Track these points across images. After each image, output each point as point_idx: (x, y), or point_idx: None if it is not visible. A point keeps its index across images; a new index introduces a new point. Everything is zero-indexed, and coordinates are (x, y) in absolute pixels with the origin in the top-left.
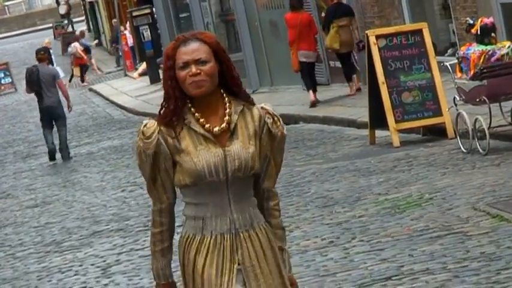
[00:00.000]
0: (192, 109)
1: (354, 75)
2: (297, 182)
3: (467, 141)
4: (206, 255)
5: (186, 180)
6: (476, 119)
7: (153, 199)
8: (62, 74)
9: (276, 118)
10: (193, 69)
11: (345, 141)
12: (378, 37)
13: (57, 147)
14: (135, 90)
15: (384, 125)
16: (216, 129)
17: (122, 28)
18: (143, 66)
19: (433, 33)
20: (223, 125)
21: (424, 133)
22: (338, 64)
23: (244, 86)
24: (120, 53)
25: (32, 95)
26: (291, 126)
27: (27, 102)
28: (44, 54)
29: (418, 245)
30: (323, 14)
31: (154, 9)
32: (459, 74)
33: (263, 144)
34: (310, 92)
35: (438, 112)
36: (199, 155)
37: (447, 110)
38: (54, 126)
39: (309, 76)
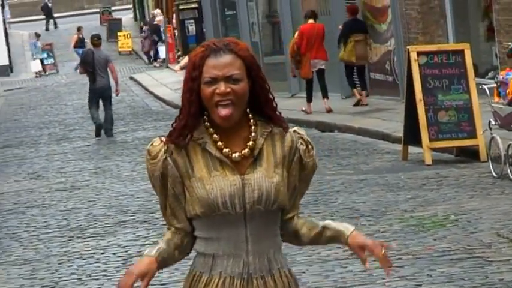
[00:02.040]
0: (211, 129)
1: (356, 88)
2: (325, 190)
3: (499, 166)
4: None
5: (196, 209)
6: (509, 145)
7: (167, 229)
8: None
9: (309, 146)
10: (223, 87)
11: (378, 155)
12: (419, 53)
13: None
14: (175, 83)
15: (417, 142)
16: (235, 155)
17: (158, 18)
18: (185, 60)
19: (475, 55)
20: (245, 150)
21: (456, 154)
22: (378, 76)
23: (283, 90)
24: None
25: (77, 77)
26: (326, 134)
27: (67, 85)
28: (98, 40)
29: (437, 265)
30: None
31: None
32: (496, 98)
33: (292, 174)
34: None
35: (473, 134)
36: (213, 182)
37: (481, 133)
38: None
39: (322, 82)
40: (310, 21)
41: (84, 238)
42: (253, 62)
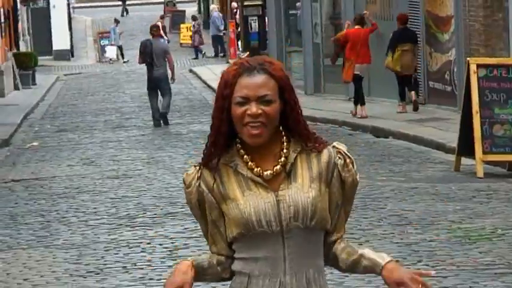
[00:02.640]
0: (241, 150)
1: (413, 92)
2: (375, 196)
3: None
4: None
5: (233, 231)
6: None
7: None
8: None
9: (348, 160)
10: (254, 108)
11: (430, 164)
12: (478, 66)
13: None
14: None
15: (471, 154)
16: (267, 172)
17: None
18: (246, 56)
19: None
20: (277, 167)
21: (509, 168)
22: (437, 85)
23: (341, 92)
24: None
25: (137, 65)
26: (380, 139)
27: (126, 73)
28: (157, 30)
29: (480, 278)
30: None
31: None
32: None
33: (333, 191)
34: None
35: None
36: (246, 201)
37: None
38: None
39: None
40: (357, 26)
41: (132, 227)
42: (286, 83)
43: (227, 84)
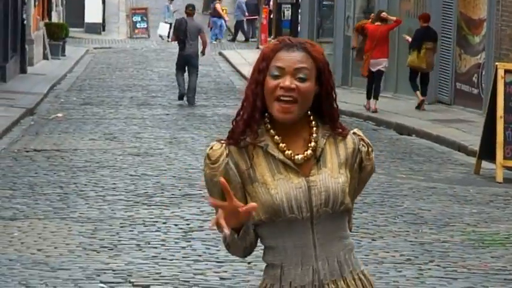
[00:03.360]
0: (272, 131)
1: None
2: (393, 193)
3: None
4: None
5: (260, 215)
6: None
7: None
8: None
9: (370, 149)
10: (287, 81)
11: (451, 165)
12: (506, 71)
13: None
14: None
15: (492, 158)
16: (298, 157)
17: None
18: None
19: None
20: (308, 152)
21: None
22: (464, 87)
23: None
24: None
25: (168, 44)
26: (403, 137)
27: (156, 51)
28: (192, 10)
29: (491, 283)
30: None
31: None
32: None
33: (354, 176)
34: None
35: None
36: (277, 186)
37: None
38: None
39: (371, 83)
40: (377, 23)
41: (149, 205)
42: (325, 66)
43: (265, 57)
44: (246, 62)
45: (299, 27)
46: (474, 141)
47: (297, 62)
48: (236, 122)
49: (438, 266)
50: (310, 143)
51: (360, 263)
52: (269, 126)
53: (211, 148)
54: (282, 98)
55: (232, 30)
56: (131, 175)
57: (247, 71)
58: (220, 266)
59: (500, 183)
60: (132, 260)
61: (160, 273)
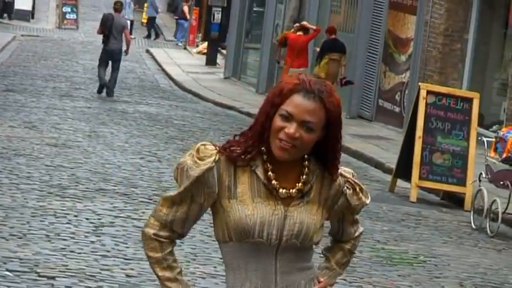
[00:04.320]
0: (265, 156)
1: None
2: None
3: (480, 218)
4: None
5: (230, 232)
6: (494, 200)
7: (157, 220)
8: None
9: (358, 188)
10: (293, 129)
11: (366, 181)
12: (429, 92)
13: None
14: (189, 66)
15: (408, 177)
16: (282, 191)
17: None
18: (204, 45)
19: (485, 105)
20: (293, 190)
21: (442, 197)
22: (387, 104)
23: None
24: (186, 25)
25: (95, 37)
26: None
27: (83, 44)
28: (120, 6)
29: None
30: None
31: None
32: (493, 153)
33: (336, 211)
34: None
35: (462, 182)
36: (255, 208)
37: (471, 182)
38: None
39: None
40: (299, 33)
41: (62, 197)
42: (336, 120)
43: (281, 94)
44: (173, 61)
45: (228, 31)
46: (392, 159)
47: (307, 114)
48: (238, 143)
49: (344, 280)
50: (299, 182)
51: None
52: (264, 150)
53: (205, 145)
54: (283, 142)
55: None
56: (47, 165)
57: (173, 71)
58: (127, 263)
59: (413, 202)
60: (40, 250)
61: (67, 265)
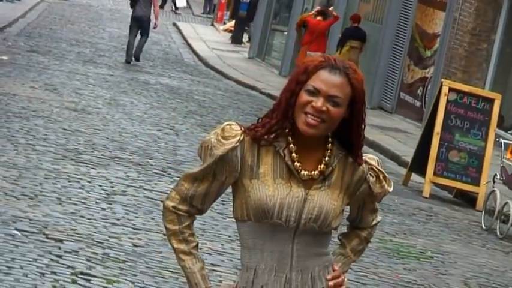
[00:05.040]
0: (290, 138)
1: None
2: None
3: (490, 219)
4: None
5: (249, 212)
6: (506, 203)
7: (178, 194)
8: None
9: (381, 176)
10: (320, 103)
11: None
12: (450, 89)
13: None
14: (214, 43)
15: (422, 172)
16: (304, 172)
17: None
18: (231, 23)
19: (506, 106)
20: (315, 172)
21: (455, 195)
22: (408, 98)
23: None
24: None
25: (124, 5)
26: None
27: (111, 11)
28: None
29: None
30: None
31: None
32: (509, 155)
33: (358, 197)
34: None
35: (477, 181)
36: (276, 190)
37: (485, 183)
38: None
39: None
40: (319, 18)
41: (77, 162)
42: (360, 96)
43: (306, 71)
44: (199, 37)
45: (256, 11)
46: (408, 152)
47: (334, 88)
48: (263, 123)
49: (350, 269)
50: (321, 164)
51: None
52: (289, 133)
53: (230, 125)
54: (310, 115)
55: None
56: (64, 129)
57: (198, 46)
58: (135, 233)
59: (426, 198)
60: (50, 212)
61: (75, 230)
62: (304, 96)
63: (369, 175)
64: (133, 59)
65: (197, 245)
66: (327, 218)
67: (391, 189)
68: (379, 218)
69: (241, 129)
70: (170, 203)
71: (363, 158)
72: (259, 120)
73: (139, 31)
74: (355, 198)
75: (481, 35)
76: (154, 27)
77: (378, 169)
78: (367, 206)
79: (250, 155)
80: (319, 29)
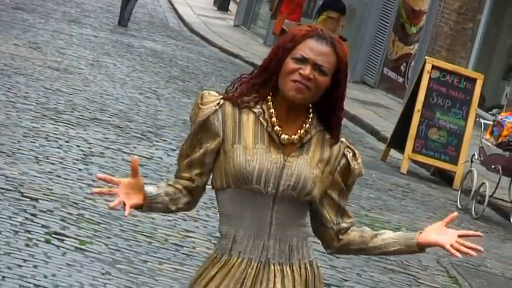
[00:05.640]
0: (270, 103)
1: None
2: None
3: (466, 199)
4: (224, 278)
5: (229, 179)
6: (483, 183)
7: (179, 168)
8: None
9: (356, 153)
10: (307, 71)
11: (360, 146)
12: (434, 67)
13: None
14: (201, 9)
15: (401, 148)
16: (284, 136)
17: None
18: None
19: (488, 87)
20: (295, 136)
21: (433, 173)
22: (391, 73)
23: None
24: None
25: None
26: None
27: None
28: None
29: (370, 268)
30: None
31: None
32: (488, 136)
33: (337, 179)
34: None
35: (455, 160)
36: (255, 154)
37: (463, 162)
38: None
39: None
40: None
41: (56, 121)
42: (344, 67)
43: (293, 39)
44: (186, 2)
45: None
46: (388, 128)
47: (321, 57)
48: (241, 83)
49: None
50: (301, 129)
51: (311, 253)
52: (270, 98)
53: (209, 92)
54: (297, 83)
55: None
56: (46, 88)
57: (184, 12)
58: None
59: (403, 174)
60: (27, 171)
61: (51, 189)
62: (291, 64)
63: (346, 151)
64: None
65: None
66: (305, 186)
67: (363, 172)
68: (346, 224)
69: (218, 95)
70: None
71: (340, 139)
72: (234, 84)
73: None
74: (335, 178)
75: (467, 14)
76: None
77: (353, 149)
78: (338, 198)
79: (232, 120)
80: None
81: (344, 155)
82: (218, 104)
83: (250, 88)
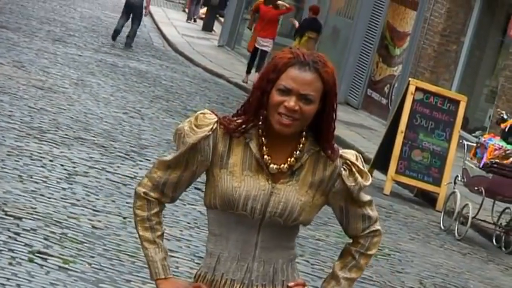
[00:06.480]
0: (260, 131)
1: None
2: None
3: (450, 220)
4: None
5: (216, 200)
6: (466, 204)
7: (150, 181)
8: None
9: (355, 169)
10: (292, 102)
11: None
12: (417, 89)
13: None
14: (185, 29)
15: (384, 170)
16: (273, 166)
17: None
18: (203, 10)
19: (471, 109)
20: (284, 165)
21: (416, 194)
22: (375, 95)
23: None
24: None
25: None
26: None
27: None
28: None
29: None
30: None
31: None
32: (472, 157)
33: (336, 198)
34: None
35: (438, 182)
36: (242, 181)
37: (446, 183)
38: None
39: (253, 59)
40: (270, 6)
41: (40, 140)
42: (332, 89)
43: (275, 69)
44: (170, 22)
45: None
46: (371, 149)
47: (305, 86)
48: (236, 119)
49: (307, 261)
50: (291, 157)
51: (296, 274)
52: (261, 126)
53: (204, 114)
54: (284, 116)
55: None
56: (30, 107)
57: (169, 32)
58: (95, 214)
59: (386, 195)
60: (11, 189)
61: (35, 208)
62: (276, 96)
63: (342, 169)
64: (115, 39)
65: (162, 234)
66: (292, 213)
67: (367, 183)
68: (376, 227)
69: (215, 119)
70: (141, 189)
71: (339, 152)
72: (237, 112)
73: (130, 16)
74: (333, 196)
75: (450, 37)
76: (145, 14)
77: (352, 162)
78: (351, 210)
79: (222, 145)
80: (269, 16)
81: (339, 174)
82: (211, 129)
83: (242, 120)
